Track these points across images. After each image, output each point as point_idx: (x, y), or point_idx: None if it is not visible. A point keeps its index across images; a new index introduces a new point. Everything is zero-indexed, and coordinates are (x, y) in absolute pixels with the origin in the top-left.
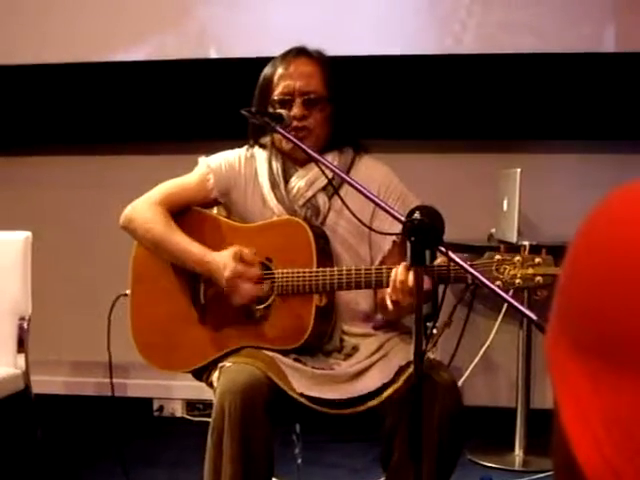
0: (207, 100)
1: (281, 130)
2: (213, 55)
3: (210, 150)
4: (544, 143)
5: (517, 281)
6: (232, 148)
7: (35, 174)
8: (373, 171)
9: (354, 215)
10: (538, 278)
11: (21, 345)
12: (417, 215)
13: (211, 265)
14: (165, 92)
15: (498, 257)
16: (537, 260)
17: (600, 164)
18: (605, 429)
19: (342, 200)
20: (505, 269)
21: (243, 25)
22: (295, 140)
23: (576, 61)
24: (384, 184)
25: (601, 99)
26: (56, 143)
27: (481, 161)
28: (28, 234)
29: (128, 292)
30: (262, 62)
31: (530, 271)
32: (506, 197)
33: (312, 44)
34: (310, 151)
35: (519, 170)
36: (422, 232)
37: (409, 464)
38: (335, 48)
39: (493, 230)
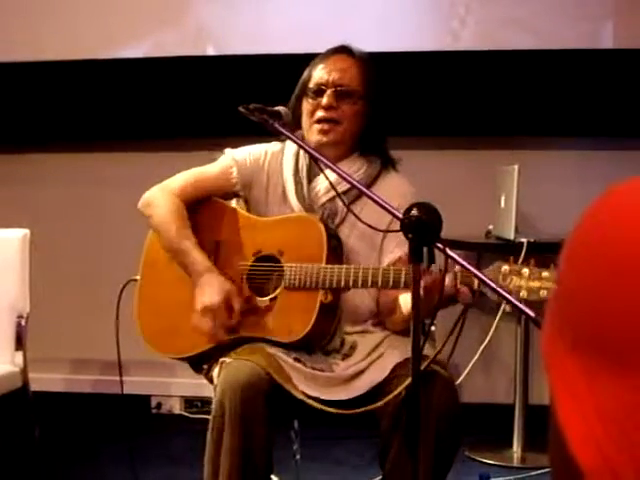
0: (205, 97)
1: (279, 127)
2: (211, 52)
3: (209, 147)
4: (542, 140)
5: (522, 293)
6: (231, 145)
7: (33, 171)
8: (397, 188)
9: (364, 223)
10: (543, 292)
11: (19, 343)
12: (415, 212)
13: (202, 282)
14: (163, 89)
15: (506, 268)
16: (544, 274)
17: (598, 161)
18: (600, 425)
19: (351, 211)
20: (511, 279)
21: (241, 22)
22: (296, 139)
23: (574, 58)
24: (406, 202)
25: (599, 96)
26: (54, 140)
27: (479, 157)
28: (26, 231)
29: (137, 277)
30: (260, 59)
31: (536, 284)
32: (504, 194)
33: (310, 41)
34: (318, 154)
35: (517, 167)
36: (419, 229)
37: (407, 461)
38: (333, 45)
39: (491, 227)
